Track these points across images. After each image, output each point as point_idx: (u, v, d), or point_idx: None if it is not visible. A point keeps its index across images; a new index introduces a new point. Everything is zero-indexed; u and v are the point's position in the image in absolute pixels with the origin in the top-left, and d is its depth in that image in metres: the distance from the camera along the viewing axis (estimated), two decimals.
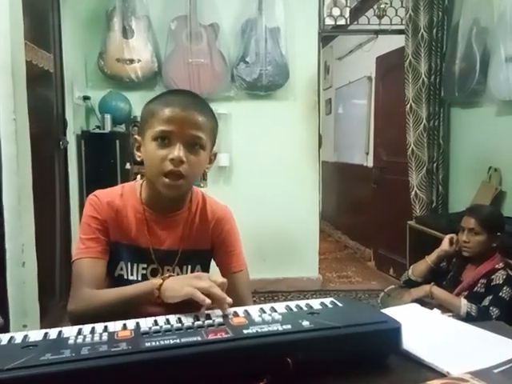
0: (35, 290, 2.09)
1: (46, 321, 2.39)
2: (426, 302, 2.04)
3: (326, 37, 4.63)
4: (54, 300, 2.79)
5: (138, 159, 1.13)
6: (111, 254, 1.14)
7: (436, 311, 0.97)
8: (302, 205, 3.63)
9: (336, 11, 3.67)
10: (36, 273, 2.09)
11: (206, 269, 1.22)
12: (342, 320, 0.76)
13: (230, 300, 0.88)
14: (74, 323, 1.01)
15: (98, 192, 1.17)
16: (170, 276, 0.99)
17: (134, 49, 3.28)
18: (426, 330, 0.90)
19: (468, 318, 1.88)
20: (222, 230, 1.20)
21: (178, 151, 1.03)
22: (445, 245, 2.20)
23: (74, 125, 3.08)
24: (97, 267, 1.10)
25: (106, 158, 3.06)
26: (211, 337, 0.71)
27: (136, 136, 1.14)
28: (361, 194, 4.91)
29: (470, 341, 0.86)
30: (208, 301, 0.87)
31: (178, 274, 1.17)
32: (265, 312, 0.83)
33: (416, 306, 1.03)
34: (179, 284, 0.94)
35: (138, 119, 3.40)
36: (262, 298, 3.44)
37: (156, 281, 0.98)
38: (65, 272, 2.95)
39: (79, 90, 3.20)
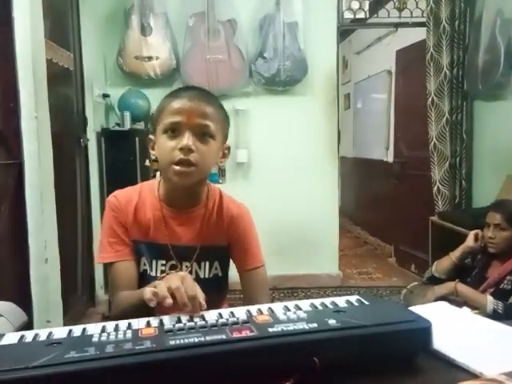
0: (58, 286, 2.11)
1: (69, 316, 2.42)
2: (450, 299, 1.99)
3: (345, 31, 4.58)
4: (76, 296, 2.82)
5: (153, 157, 1.14)
6: (134, 251, 1.16)
7: (466, 309, 0.95)
8: (321, 201, 3.60)
9: (355, 4, 3.62)
10: (59, 269, 2.11)
11: (224, 265, 1.22)
12: (369, 319, 0.74)
13: (189, 308, 0.84)
14: None
15: (117, 193, 1.19)
16: (162, 277, 0.96)
17: (152, 46, 3.28)
18: (457, 329, 0.87)
19: (494, 316, 1.83)
20: (237, 227, 1.19)
21: (186, 140, 1.04)
22: (470, 241, 2.15)
23: (94, 122, 3.11)
24: (129, 269, 1.14)
25: (125, 155, 3.07)
26: (236, 335, 0.70)
27: (150, 136, 1.16)
28: (381, 189, 4.85)
29: (503, 340, 0.82)
30: (153, 302, 0.86)
31: (195, 271, 1.18)
32: (289, 310, 0.82)
33: (444, 303, 1.00)
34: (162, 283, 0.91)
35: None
36: (282, 295, 3.43)
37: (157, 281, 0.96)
38: (86, 268, 2.99)
39: (99, 88, 3.22)
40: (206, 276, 1.19)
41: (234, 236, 1.20)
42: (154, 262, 1.16)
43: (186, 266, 1.17)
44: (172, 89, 3.52)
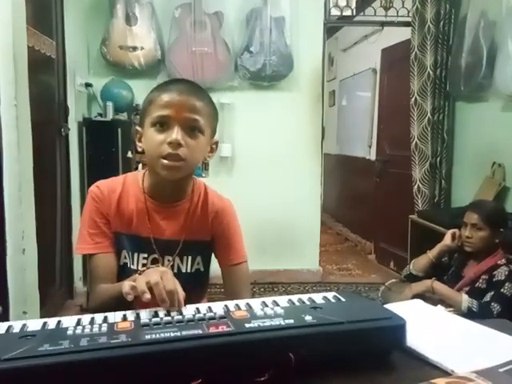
0: (35, 277, 2.08)
1: (46, 308, 2.39)
2: (426, 296, 2.03)
3: (331, 28, 4.58)
4: (54, 287, 2.79)
5: (140, 149, 1.13)
6: (115, 243, 1.15)
7: (440, 307, 0.96)
8: (304, 197, 3.62)
9: (342, 1, 3.63)
10: (36, 260, 2.08)
11: (206, 260, 1.22)
12: (345, 315, 0.75)
13: (167, 304, 0.84)
14: None
15: (100, 183, 1.17)
16: (142, 271, 0.95)
17: (137, 36, 3.24)
18: (430, 327, 0.89)
19: (469, 314, 1.87)
20: (221, 222, 1.19)
21: (175, 134, 1.03)
22: (447, 240, 2.18)
23: (76, 112, 3.06)
24: (109, 261, 1.13)
25: (107, 145, 3.03)
26: (212, 330, 0.70)
27: (137, 127, 1.14)
28: (362, 186, 4.90)
29: (475, 339, 0.84)
30: (130, 296, 0.86)
31: (177, 265, 1.17)
32: (267, 306, 0.82)
33: (419, 301, 1.02)
34: (141, 278, 0.90)
35: (140, 107, 3.39)
36: (262, 289, 3.44)
37: (136, 275, 0.95)
38: (65, 259, 2.95)
39: (81, 77, 3.17)
40: (188, 271, 1.18)
41: (217, 231, 1.19)
42: (135, 255, 1.15)
43: (168, 260, 1.16)
44: (157, 80, 3.47)
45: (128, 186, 1.17)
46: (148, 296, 0.84)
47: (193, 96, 1.06)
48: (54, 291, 2.78)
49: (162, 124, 1.05)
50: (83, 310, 2.85)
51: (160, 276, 0.88)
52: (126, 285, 0.87)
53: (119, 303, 0.87)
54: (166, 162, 1.04)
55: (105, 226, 1.13)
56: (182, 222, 1.17)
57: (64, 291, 2.98)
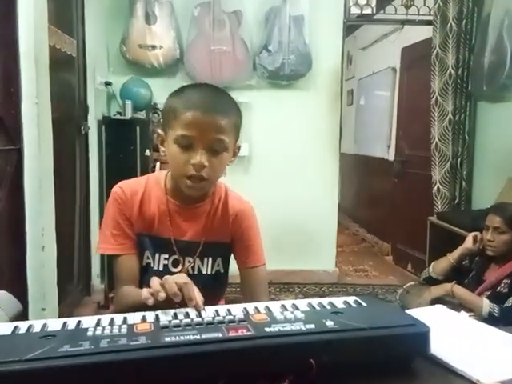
0: (54, 274, 2.10)
1: (64, 305, 2.42)
2: (446, 300, 2.00)
3: (350, 26, 4.52)
4: (72, 284, 2.82)
5: (163, 154, 1.12)
6: (137, 244, 1.16)
7: (464, 314, 0.94)
8: (321, 196, 3.60)
9: (362, 0, 3.58)
10: (55, 257, 2.10)
11: (226, 262, 1.22)
12: (367, 321, 0.73)
13: (180, 297, 0.84)
14: None
15: (123, 184, 1.17)
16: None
17: (156, 35, 3.25)
18: (455, 334, 0.87)
19: (490, 319, 1.83)
20: (241, 225, 1.19)
21: (199, 156, 1.02)
22: (468, 243, 2.15)
23: (96, 110, 3.09)
24: (131, 263, 1.14)
25: (126, 144, 3.05)
26: (232, 334, 0.69)
27: (159, 130, 1.13)
28: (380, 187, 4.84)
29: (501, 347, 0.82)
30: (150, 300, 0.84)
31: (198, 266, 1.17)
32: (286, 309, 0.81)
33: (442, 307, 0.99)
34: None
35: (159, 106, 3.41)
36: (278, 290, 3.43)
37: None
38: (83, 257, 2.98)
39: (101, 76, 3.20)
40: (209, 272, 1.18)
41: (237, 233, 1.19)
42: (156, 256, 1.16)
43: (189, 261, 1.16)
44: (175, 79, 3.45)
45: (150, 188, 1.17)
46: (163, 295, 0.84)
47: (218, 114, 1.03)
48: (72, 288, 2.81)
49: (186, 144, 1.03)
50: (100, 307, 2.88)
51: (173, 278, 0.88)
52: (144, 291, 0.87)
53: (141, 310, 0.87)
54: (189, 182, 1.05)
55: (128, 228, 1.14)
56: (202, 224, 1.17)
57: (82, 288, 3.02)
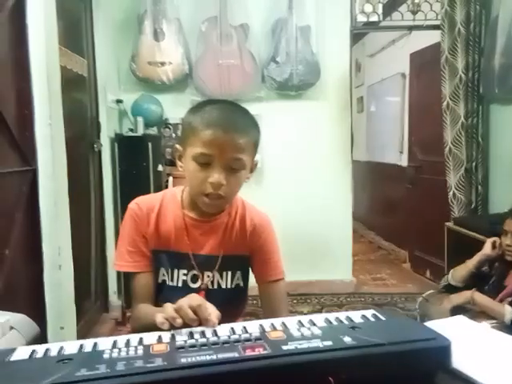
0: (71, 292, 2.11)
1: (83, 322, 2.43)
2: (467, 308, 1.96)
3: (358, 34, 4.54)
4: (90, 302, 2.83)
5: (180, 169, 1.12)
6: (153, 261, 1.15)
7: (485, 324, 0.92)
8: (334, 205, 3.57)
9: (368, 7, 3.58)
10: (72, 275, 2.11)
11: (245, 275, 1.21)
12: (386, 336, 0.72)
13: (197, 322, 0.83)
14: None
15: (139, 200, 1.18)
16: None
17: (165, 51, 3.29)
18: (476, 347, 0.84)
19: None
20: (259, 238, 1.18)
21: (218, 175, 1.02)
22: (487, 249, 2.11)
23: (108, 128, 3.12)
24: (147, 280, 1.14)
25: (138, 160, 3.08)
26: (249, 353, 0.68)
27: (177, 145, 1.13)
28: (394, 193, 4.80)
29: None
30: (166, 325, 0.83)
31: (217, 281, 1.16)
32: (303, 325, 0.80)
33: (463, 318, 0.97)
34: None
35: (170, 121, 3.44)
36: (295, 301, 3.40)
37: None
38: (100, 274, 3.00)
39: (112, 94, 3.24)
40: (229, 286, 1.17)
41: (255, 246, 1.18)
42: (175, 272, 1.15)
43: (208, 276, 1.15)
44: (185, 94, 3.47)
45: (166, 204, 1.17)
46: (180, 321, 0.83)
47: (238, 133, 1.03)
48: (90, 305, 2.82)
49: (205, 161, 1.03)
50: (118, 324, 2.88)
51: (187, 301, 0.87)
52: (159, 316, 0.85)
53: (156, 329, 0.87)
54: (207, 200, 1.06)
55: (143, 245, 1.14)
56: (220, 237, 1.16)
57: (99, 305, 3.02)
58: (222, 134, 1.01)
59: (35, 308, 1.91)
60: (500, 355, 0.82)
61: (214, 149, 1.02)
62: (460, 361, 0.75)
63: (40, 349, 0.74)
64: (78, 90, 2.74)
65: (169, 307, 0.87)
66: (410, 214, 4.33)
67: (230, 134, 1.02)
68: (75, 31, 2.74)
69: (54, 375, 0.63)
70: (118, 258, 1.15)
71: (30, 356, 0.72)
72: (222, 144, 1.02)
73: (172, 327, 0.83)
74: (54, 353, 0.72)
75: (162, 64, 3.29)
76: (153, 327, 0.86)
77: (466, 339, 0.86)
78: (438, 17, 3.40)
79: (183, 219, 1.15)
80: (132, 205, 1.16)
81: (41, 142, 1.95)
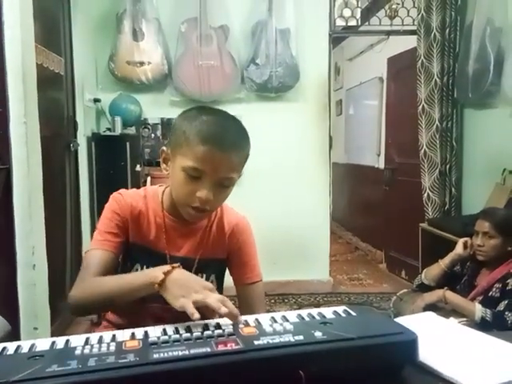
0: (46, 292, 2.08)
1: (57, 323, 2.40)
2: (439, 306, 2.00)
3: (337, 38, 4.59)
4: (65, 302, 2.78)
5: (165, 172, 1.10)
6: (128, 255, 1.14)
7: (453, 320, 0.95)
8: (313, 207, 3.61)
9: (347, 12, 3.63)
10: (46, 275, 2.08)
11: (220, 278, 1.21)
12: (355, 331, 0.74)
13: (225, 312, 0.82)
14: (73, 311, 1.05)
15: (123, 191, 1.17)
16: (173, 268, 0.93)
17: (144, 51, 3.28)
18: (444, 341, 0.87)
19: (483, 324, 1.84)
20: (237, 240, 1.18)
21: (207, 192, 1.01)
22: (459, 248, 2.16)
23: (85, 127, 3.09)
24: (107, 259, 1.08)
25: (116, 160, 3.05)
26: (221, 348, 0.69)
27: (165, 148, 1.10)
28: (372, 195, 4.87)
29: (490, 353, 0.82)
30: (196, 315, 0.81)
31: None
32: (276, 321, 0.81)
33: (431, 314, 1.00)
34: (178, 291, 0.89)
35: (148, 121, 3.42)
36: (273, 301, 3.42)
37: (158, 273, 0.91)
38: (75, 274, 2.95)
39: (90, 93, 3.21)
40: None
41: (233, 248, 1.18)
42: None
43: None
44: (163, 95, 3.46)
45: (149, 200, 1.16)
46: (197, 316, 0.82)
47: (233, 151, 1.01)
48: (65, 306, 2.77)
49: (195, 175, 1.01)
50: (94, 325, 2.84)
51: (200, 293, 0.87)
52: (190, 307, 0.83)
53: (122, 299, 0.89)
54: (192, 212, 1.05)
55: (119, 229, 1.11)
56: (198, 240, 1.16)
57: None
58: (218, 154, 0.99)
59: (8, 308, 1.88)
60: (465, 349, 0.85)
61: (208, 166, 1.00)
62: (427, 354, 0.77)
63: (11, 346, 0.74)
64: (54, 89, 2.71)
65: (187, 302, 0.85)
66: (386, 215, 4.40)
67: (226, 154, 1.00)
68: (53, 29, 2.71)
69: (24, 371, 0.63)
70: (91, 244, 1.11)
71: (1, 353, 0.71)
72: (217, 163, 1.00)
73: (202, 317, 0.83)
74: (25, 350, 0.72)
75: (141, 64, 3.27)
76: (112, 296, 0.91)
77: (433, 334, 0.89)
78: (414, 22, 3.47)
79: (163, 219, 1.14)
80: (115, 193, 1.15)
81: (15, 140, 1.93)
